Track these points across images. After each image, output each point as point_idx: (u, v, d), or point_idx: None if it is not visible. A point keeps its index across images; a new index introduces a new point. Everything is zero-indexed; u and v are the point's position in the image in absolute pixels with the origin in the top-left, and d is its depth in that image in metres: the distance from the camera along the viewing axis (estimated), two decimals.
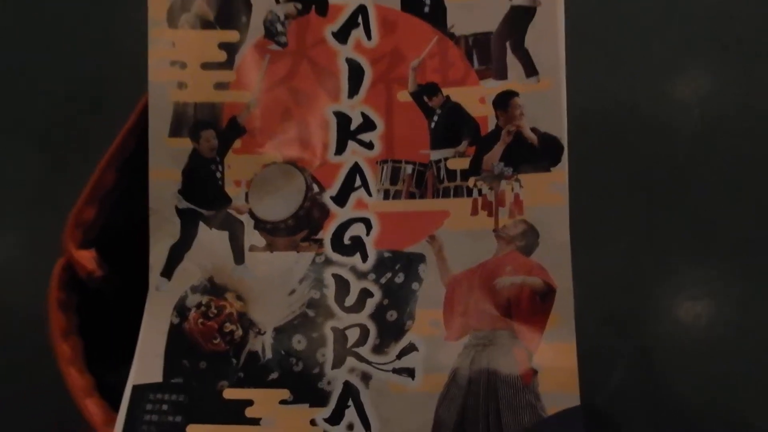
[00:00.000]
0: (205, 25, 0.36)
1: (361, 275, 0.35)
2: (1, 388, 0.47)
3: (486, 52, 0.36)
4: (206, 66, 0.36)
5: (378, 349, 0.34)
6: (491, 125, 0.35)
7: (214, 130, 0.36)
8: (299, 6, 0.36)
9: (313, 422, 0.33)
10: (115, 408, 0.34)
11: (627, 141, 0.58)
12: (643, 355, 0.50)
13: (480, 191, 0.35)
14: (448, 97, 0.36)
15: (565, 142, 0.34)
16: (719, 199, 0.56)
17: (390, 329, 0.34)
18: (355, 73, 0.36)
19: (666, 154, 0.57)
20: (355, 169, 0.36)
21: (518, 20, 0.35)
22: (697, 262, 0.54)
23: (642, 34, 0.62)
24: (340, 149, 0.36)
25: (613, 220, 0.54)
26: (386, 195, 0.35)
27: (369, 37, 0.36)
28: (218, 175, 0.36)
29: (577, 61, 0.56)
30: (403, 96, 0.36)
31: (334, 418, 0.33)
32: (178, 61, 0.35)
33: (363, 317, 0.34)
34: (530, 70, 0.35)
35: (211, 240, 0.35)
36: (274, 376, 0.34)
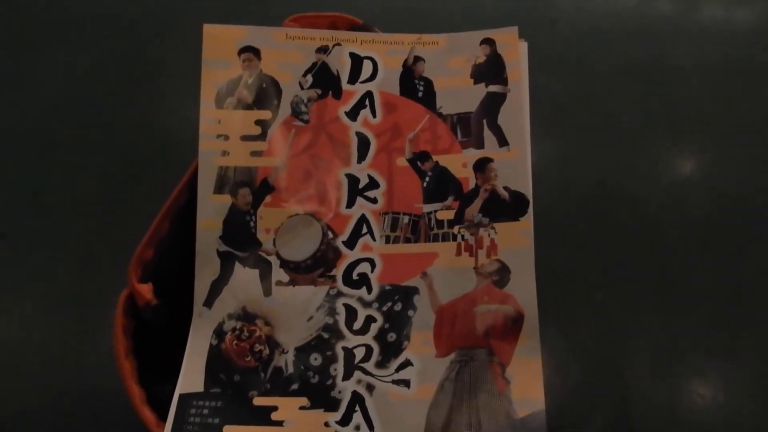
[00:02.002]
0: (245, 106, 0.42)
1: (367, 304, 0.40)
2: (72, 402, 0.52)
3: (467, 128, 0.43)
4: (245, 138, 0.42)
5: (380, 364, 0.39)
6: (472, 184, 0.42)
7: (249, 188, 0.41)
8: (319, 91, 0.43)
9: (326, 424, 0.38)
10: (160, 416, 0.39)
11: (602, 208, 0.63)
12: (621, 402, 0.53)
13: (463, 237, 0.41)
14: (437, 162, 0.42)
15: (530, 197, 0.41)
16: (684, 258, 0.59)
17: (390, 348, 0.39)
18: (363, 144, 0.43)
19: (640, 219, 0.61)
20: (363, 219, 0.41)
21: (492, 103, 0.43)
22: (665, 315, 0.56)
23: (611, 112, 0.69)
24: (351, 203, 0.42)
25: (589, 277, 0.59)
26: (387, 240, 0.41)
27: (374, 115, 0.43)
28: (252, 224, 0.41)
29: (554, 138, 0.62)
30: (401, 162, 0.42)
31: (344, 421, 0.38)
32: (222, 134, 0.42)
33: (368, 338, 0.40)
34: (502, 141, 0.42)
35: (244, 276, 0.41)
36: (295, 386, 0.39)
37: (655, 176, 0.65)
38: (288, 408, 0.38)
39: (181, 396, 0.39)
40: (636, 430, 0.52)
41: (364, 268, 0.41)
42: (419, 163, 0.42)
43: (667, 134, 0.67)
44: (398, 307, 0.40)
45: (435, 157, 0.42)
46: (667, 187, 0.64)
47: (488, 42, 0.44)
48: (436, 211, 0.42)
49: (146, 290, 0.40)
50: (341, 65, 0.44)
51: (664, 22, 0.74)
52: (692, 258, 0.60)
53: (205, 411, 0.38)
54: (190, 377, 0.39)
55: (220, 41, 0.43)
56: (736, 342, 0.56)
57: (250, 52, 0.43)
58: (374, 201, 0.42)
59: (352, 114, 0.43)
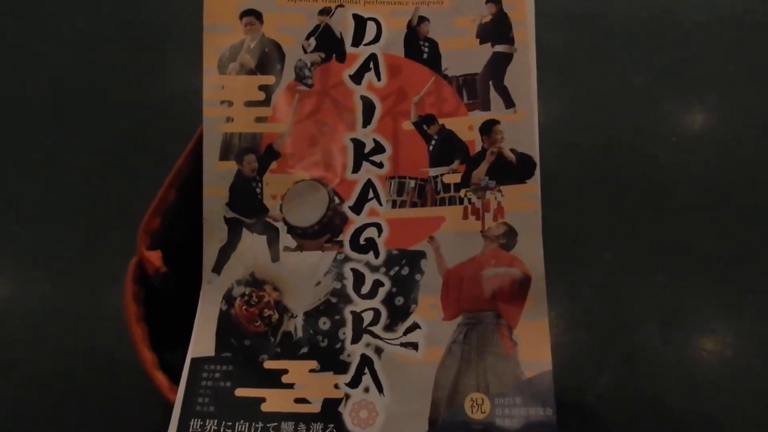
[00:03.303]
0: (248, 71, 0.42)
1: (374, 269, 0.41)
2: (85, 367, 0.53)
3: (473, 89, 0.42)
4: (249, 104, 0.42)
5: (388, 328, 0.40)
6: (478, 147, 0.42)
7: (255, 154, 0.41)
8: (323, 55, 0.43)
9: (336, 386, 0.39)
10: (173, 380, 0.39)
11: (610, 167, 0.63)
12: (626, 361, 0.54)
13: (469, 200, 0.41)
14: (443, 125, 0.42)
15: (537, 159, 0.41)
16: (692, 216, 0.60)
17: (398, 312, 0.40)
18: (368, 108, 0.42)
19: (648, 178, 0.62)
20: (369, 184, 0.41)
21: (499, 64, 0.42)
22: (674, 276, 0.57)
23: (621, 69, 0.68)
24: (356, 168, 0.42)
25: (597, 236, 0.59)
26: (394, 204, 0.41)
27: (379, 78, 0.43)
28: (258, 190, 0.41)
29: (561, 96, 0.62)
30: (407, 125, 0.42)
31: (354, 383, 0.39)
32: (226, 100, 0.42)
33: (376, 302, 0.40)
34: (509, 103, 0.42)
35: (252, 243, 0.41)
36: (304, 350, 0.39)
37: (664, 134, 0.64)
38: (298, 371, 0.39)
39: (192, 360, 0.40)
40: (644, 388, 0.53)
41: (370, 233, 0.41)
42: (425, 127, 0.42)
43: (675, 91, 0.66)
44: (405, 271, 0.41)
45: (441, 120, 0.42)
46: (675, 145, 0.64)
47: (494, 0, 0.43)
48: (442, 175, 0.42)
49: (155, 257, 0.41)
50: (344, 27, 0.43)
51: None
52: (700, 216, 0.60)
53: (217, 375, 0.39)
54: (201, 342, 0.40)
55: (221, 5, 0.42)
56: (743, 299, 0.56)
57: (252, 15, 0.42)
58: (380, 165, 0.42)
59: (357, 77, 0.43)
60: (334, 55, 0.43)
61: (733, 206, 0.60)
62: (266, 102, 0.42)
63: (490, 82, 0.42)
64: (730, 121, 0.65)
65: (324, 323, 0.40)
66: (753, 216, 0.60)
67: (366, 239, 0.41)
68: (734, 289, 0.57)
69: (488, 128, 0.42)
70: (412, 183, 0.42)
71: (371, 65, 0.43)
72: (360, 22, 0.43)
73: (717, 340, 0.55)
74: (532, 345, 0.39)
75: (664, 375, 0.54)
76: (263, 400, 0.38)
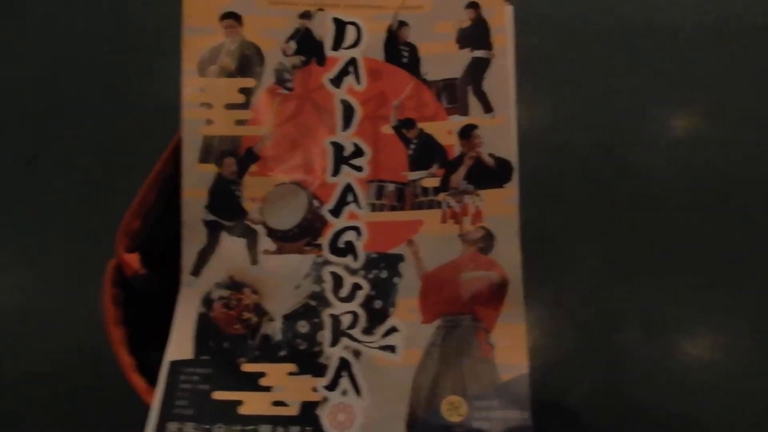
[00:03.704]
0: (228, 74, 0.42)
1: (353, 272, 0.41)
2: (65, 368, 0.53)
3: (452, 94, 0.42)
4: (229, 106, 0.42)
5: (367, 331, 0.40)
6: (457, 152, 0.42)
7: (235, 157, 0.41)
8: (303, 58, 0.43)
9: (314, 389, 0.39)
10: (150, 383, 0.39)
11: (595, 171, 0.63)
12: (609, 364, 0.54)
13: (448, 204, 0.41)
14: (422, 129, 0.42)
15: (515, 164, 0.41)
16: (676, 221, 0.60)
17: (376, 315, 0.40)
18: (348, 112, 0.42)
19: (634, 182, 0.62)
20: (348, 187, 0.42)
21: (477, 69, 0.42)
22: (658, 280, 0.57)
23: (607, 74, 0.68)
24: (336, 172, 0.42)
25: (581, 240, 0.60)
26: (373, 208, 0.41)
27: (359, 82, 0.43)
28: (237, 193, 0.41)
29: (547, 100, 0.62)
30: (387, 129, 0.42)
31: (332, 386, 0.39)
32: (206, 102, 0.42)
33: (354, 305, 0.40)
34: (487, 107, 0.42)
35: (231, 245, 0.41)
36: (283, 353, 0.40)
37: (649, 138, 0.65)
38: (276, 374, 0.39)
39: (171, 363, 0.39)
40: (626, 392, 0.53)
41: (350, 236, 0.41)
42: (404, 131, 0.42)
43: (661, 95, 0.67)
44: (384, 274, 0.41)
45: (420, 125, 0.42)
46: (660, 149, 0.64)
47: (473, 6, 0.43)
48: (421, 179, 0.42)
49: (134, 260, 0.41)
50: (324, 31, 0.43)
51: None
52: (684, 221, 0.60)
53: (195, 377, 0.39)
54: (180, 345, 0.40)
55: (201, 7, 0.42)
56: (727, 304, 0.57)
57: (232, 18, 0.43)
58: (359, 169, 0.42)
59: (337, 81, 0.43)
60: (314, 59, 0.43)
61: (719, 210, 0.61)
62: (246, 105, 0.42)
63: (469, 87, 0.42)
64: (717, 126, 0.65)
65: (303, 326, 0.40)
66: (738, 220, 0.60)
67: (345, 242, 0.41)
68: (718, 293, 0.57)
69: (467, 133, 0.42)
70: (392, 187, 0.42)
71: (351, 69, 0.43)
72: (340, 26, 0.43)
73: (700, 344, 0.56)
74: (510, 348, 0.39)
75: (648, 378, 0.54)
76: (241, 402, 0.39)
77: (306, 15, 0.43)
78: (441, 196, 0.41)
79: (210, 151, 0.42)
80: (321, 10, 0.43)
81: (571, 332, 0.56)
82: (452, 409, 0.38)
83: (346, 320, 0.40)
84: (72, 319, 0.55)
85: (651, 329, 0.56)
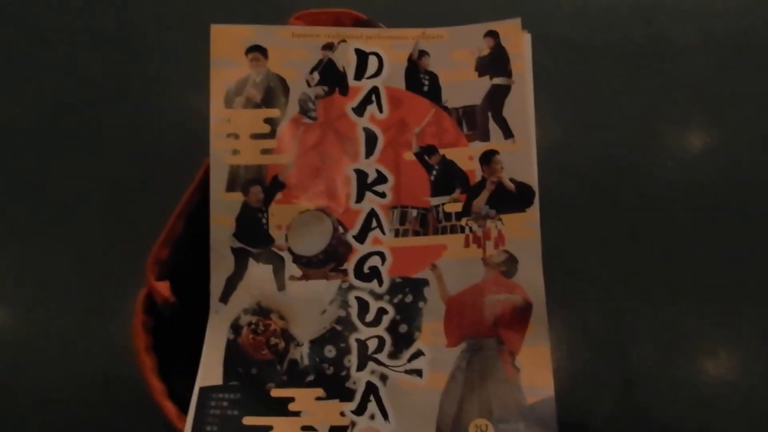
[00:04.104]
0: (254, 105, 0.43)
1: (378, 297, 0.42)
2: (94, 396, 0.53)
3: (473, 121, 0.43)
4: (254, 136, 0.43)
5: (393, 355, 0.40)
6: (478, 177, 0.43)
7: (261, 185, 0.42)
8: (326, 88, 0.44)
9: (342, 413, 0.39)
10: (181, 409, 0.40)
11: (607, 190, 0.63)
12: (628, 384, 0.53)
13: (470, 228, 0.42)
14: (443, 156, 0.43)
15: (536, 188, 0.42)
16: (690, 239, 0.59)
17: (402, 339, 0.41)
18: (371, 139, 0.43)
19: (645, 200, 0.61)
20: (372, 213, 0.42)
21: (497, 95, 0.43)
22: (674, 299, 0.56)
23: (613, 92, 0.69)
24: (360, 198, 0.43)
25: (595, 260, 0.59)
26: (397, 233, 0.42)
27: (381, 111, 0.44)
28: (264, 220, 0.42)
29: (557, 120, 0.62)
30: (409, 156, 0.43)
31: (359, 410, 0.39)
32: (232, 133, 0.43)
33: (380, 330, 0.41)
34: (507, 133, 0.43)
35: (258, 272, 0.42)
36: (310, 378, 0.40)
37: (660, 157, 0.65)
38: (304, 399, 0.40)
39: (201, 389, 0.40)
40: (645, 412, 0.53)
41: (374, 261, 0.42)
42: (426, 157, 0.43)
43: (670, 114, 0.67)
44: (409, 298, 0.41)
45: (441, 151, 0.43)
46: (671, 168, 0.64)
47: (492, 34, 0.44)
48: (443, 204, 0.43)
49: (164, 288, 0.42)
50: (347, 61, 0.44)
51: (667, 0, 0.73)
52: (699, 238, 0.60)
53: (225, 403, 0.40)
54: (209, 371, 0.41)
55: (228, 41, 0.43)
56: (744, 322, 0.57)
57: (257, 51, 0.44)
58: (383, 195, 0.43)
59: (359, 110, 0.44)
60: (337, 89, 0.44)
61: (732, 227, 0.61)
62: (271, 134, 0.43)
63: (489, 114, 0.43)
64: (725, 142, 0.66)
65: (329, 351, 0.41)
66: (751, 236, 0.60)
67: (370, 268, 0.42)
68: (735, 311, 0.57)
69: (488, 158, 0.43)
70: (414, 212, 0.43)
71: (373, 98, 0.44)
72: (362, 57, 0.44)
73: (718, 362, 0.55)
74: (535, 370, 0.39)
75: (669, 398, 0.54)
76: (271, 428, 0.39)
77: (329, 47, 0.44)
78: (463, 221, 0.42)
79: (237, 180, 0.43)
80: (343, 41, 0.44)
81: (589, 352, 0.56)
82: None
83: (372, 345, 0.41)
84: (93, 347, 0.56)
85: (670, 348, 0.55)
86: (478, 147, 0.43)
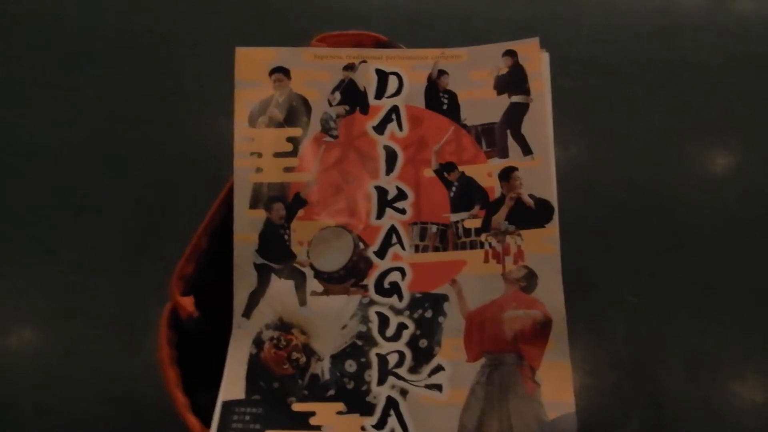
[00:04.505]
0: (277, 124, 0.44)
1: (398, 312, 0.42)
2: (117, 411, 0.54)
3: (492, 138, 0.44)
4: (277, 155, 0.44)
5: (413, 370, 0.41)
6: (497, 193, 0.43)
7: (283, 203, 0.43)
8: (347, 108, 0.45)
9: (363, 428, 0.39)
10: (204, 423, 0.40)
11: (632, 210, 0.63)
12: (653, 405, 0.53)
13: (490, 244, 0.42)
14: (463, 172, 0.44)
15: (555, 204, 0.42)
16: (715, 258, 0.60)
17: (422, 354, 0.41)
18: (391, 157, 0.44)
19: (671, 220, 0.62)
20: (392, 229, 0.43)
21: (516, 113, 0.44)
22: (699, 319, 0.56)
23: (638, 112, 0.69)
24: (380, 215, 0.43)
25: (620, 279, 0.60)
26: (417, 249, 0.43)
27: (401, 129, 0.45)
28: (286, 237, 0.43)
29: (582, 140, 0.62)
30: (428, 173, 0.44)
31: (380, 425, 0.39)
32: (256, 151, 0.44)
33: (400, 345, 0.41)
34: (526, 150, 0.43)
35: (280, 288, 0.42)
36: (331, 392, 0.40)
37: (685, 176, 0.65)
38: (325, 413, 0.40)
39: (224, 403, 0.41)
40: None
41: (394, 276, 0.42)
42: (445, 174, 0.44)
43: (695, 133, 0.67)
44: (429, 314, 0.42)
45: (461, 168, 0.44)
46: (696, 187, 0.64)
47: (510, 53, 0.45)
48: (463, 220, 0.43)
49: (188, 303, 0.42)
50: (368, 81, 0.45)
51: (689, 19, 0.74)
52: (724, 258, 0.60)
53: (247, 417, 0.40)
54: (232, 385, 0.41)
55: (252, 63, 0.45)
56: None
57: (281, 72, 0.45)
58: (403, 212, 0.43)
59: (380, 128, 0.45)
60: (358, 108, 0.45)
61: (757, 247, 0.60)
62: (294, 153, 0.44)
63: (508, 131, 0.44)
64: (750, 162, 0.65)
65: (350, 365, 0.41)
66: None
67: (390, 283, 0.42)
68: (761, 331, 0.56)
69: (507, 175, 0.43)
70: (434, 228, 0.43)
71: (393, 116, 0.45)
72: (382, 77, 0.45)
73: (745, 384, 0.55)
74: (555, 386, 0.39)
75: (694, 419, 0.53)
76: None
77: (350, 67, 0.45)
78: (483, 237, 0.42)
79: (259, 198, 0.43)
80: (364, 62, 0.45)
81: (614, 373, 0.56)
82: None
83: (392, 359, 0.41)
84: (120, 365, 0.57)
85: (696, 369, 0.55)
86: (497, 164, 0.43)
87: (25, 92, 0.71)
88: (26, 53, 0.74)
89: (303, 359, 0.41)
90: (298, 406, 0.40)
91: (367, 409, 0.40)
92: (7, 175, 0.66)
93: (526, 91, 0.44)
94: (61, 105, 0.71)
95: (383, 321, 0.42)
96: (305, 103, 0.45)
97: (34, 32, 0.75)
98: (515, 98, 0.44)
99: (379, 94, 0.45)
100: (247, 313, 0.43)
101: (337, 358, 0.41)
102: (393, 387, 0.40)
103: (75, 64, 0.73)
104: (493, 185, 0.43)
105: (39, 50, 0.74)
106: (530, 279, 0.41)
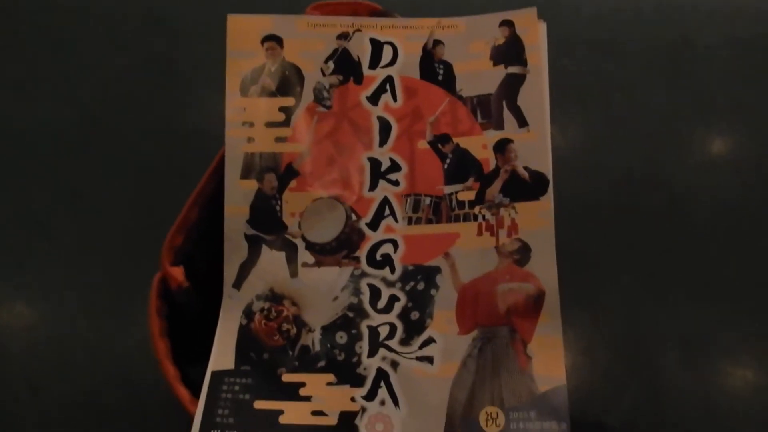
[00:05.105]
0: (269, 94, 0.44)
1: (390, 284, 0.42)
2: (109, 383, 0.54)
3: (487, 109, 0.43)
4: (269, 125, 0.43)
5: (404, 342, 0.40)
6: (492, 165, 0.42)
7: (275, 173, 0.43)
8: (341, 78, 0.44)
9: (352, 399, 0.39)
10: (194, 393, 0.40)
11: (630, 192, 0.63)
12: (647, 386, 0.53)
13: (484, 217, 0.42)
14: (457, 144, 0.43)
15: (550, 177, 0.41)
16: (713, 241, 0.60)
17: (413, 326, 0.41)
18: (385, 128, 0.44)
19: (668, 203, 0.61)
20: (385, 201, 0.42)
21: (512, 84, 0.43)
22: (694, 301, 0.56)
23: (638, 94, 0.68)
24: (373, 186, 0.43)
25: (617, 260, 0.59)
26: (410, 221, 0.42)
27: (395, 100, 0.44)
28: (277, 208, 0.42)
29: (581, 122, 0.62)
30: (422, 144, 0.43)
31: (370, 396, 0.39)
32: (248, 121, 0.43)
33: (392, 317, 0.41)
34: (522, 122, 0.43)
35: (271, 259, 0.42)
36: (322, 364, 0.40)
37: (683, 158, 0.64)
38: (315, 384, 0.40)
39: (213, 373, 0.40)
40: (664, 414, 0.52)
41: (387, 249, 0.42)
42: (440, 146, 0.43)
43: (695, 116, 0.66)
44: (421, 286, 0.41)
45: (455, 139, 0.43)
46: (695, 169, 0.63)
47: (507, 24, 0.44)
48: (457, 192, 0.42)
49: (178, 273, 0.42)
50: (362, 51, 0.45)
51: (690, 0, 0.73)
52: (721, 240, 0.59)
53: (236, 387, 0.40)
54: (222, 356, 0.41)
55: (244, 31, 0.44)
56: (765, 324, 0.56)
57: (273, 40, 0.44)
58: (396, 183, 0.43)
59: (374, 99, 0.44)
60: (351, 78, 0.44)
61: (754, 230, 0.60)
62: (286, 123, 0.44)
63: (504, 103, 0.43)
64: (749, 145, 0.65)
65: (341, 337, 0.41)
66: None
67: (382, 255, 0.42)
68: (756, 314, 0.56)
69: (502, 147, 0.42)
70: (428, 200, 0.42)
71: (388, 87, 0.44)
72: (377, 46, 0.45)
73: (739, 366, 0.54)
74: (547, 359, 0.39)
75: (687, 401, 0.53)
76: (281, 412, 0.39)
77: (343, 36, 0.45)
78: (477, 209, 0.42)
79: (251, 168, 0.43)
80: (358, 31, 0.45)
81: (608, 353, 0.55)
82: (490, 420, 0.38)
83: (383, 331, 0.41)
84: (114, 341, 0.56)
85: (690, 351, 0.55)
86: (493, 136, 0.43)
87: (18, 72, 0.71)
88: (18, 34, 0.73)
89: (293, 330, 0.41)
90: (288, 377, 0.40)
91: (357, 381, 0.40)
92: (2, 154, 0.66)
93: (523, 62, 0.43)
94: (55, 83, 0.71)
95: (375, 293, 0.41)
96: (298, 72, 0.44)
97: (26, 12, 0.75)
98: (512, 69, 0.43)
99: (374, 64, 0.44)
100: (237, 284, 0.42)
101: (328, 330, 0.41)
102: (384, 359, 0.40)
103: (68, 41, 0.73)
104: (487, 157, 0.43)
105: (31, 30, 0.73)
106: (524, 252, 0.41)
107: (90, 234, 0.62)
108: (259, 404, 0.39)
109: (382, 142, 0.43)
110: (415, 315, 0.41)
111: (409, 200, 0.43)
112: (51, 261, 0.61)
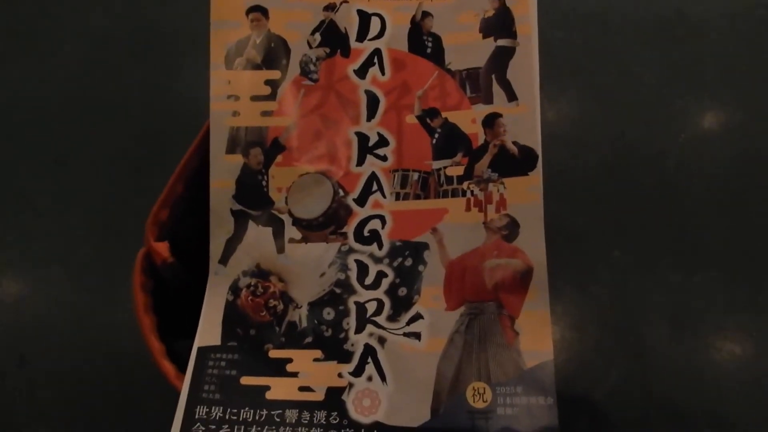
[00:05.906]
0: (254, 66, 0.43)
1: (378, 260, 0.41)
2: (95, 357, 0.54)
3: (476, 83, 0.43)
4: (255, 98, 0.42)
5: (391, 318, 0.40)
6: (481, 140, 0.42)
7: (261, 148, 0.42)
8: (327, 50, 0.43)
9: (340, 375, 0.39)
10: (180, 369, 0.40)
11: (620, 165, 0.63)
12: (635, 359, 0.54)
13: (472, 192, 0.41)
14: (446, 119, 0.43)
15: (539, 152, 0.41)
16: (702, 214, 0.60)
17: (401, 302, 0.40)
18: (372, 102, 0.43)
19: (659, 177, 0.62)
20: (373, 176, 0.42)
21: (501, 57, 0.43)
22: (684, 275, 0.56)
23: (630, 66, 0.68)
24: (361, 161, 0.42)
25: (606, 234, 0.60)
26: (397, 197, 0.42)
27: (383, 73, 0.43)
28: (264, 183, 0.42)
29: (572, 94, 0.62)
30: (411, 119, 0.43)
31: (357, 372, 0.39)
32: (233, 94, 0.42)
33: (379, 293, 0.41)
34: (511, 96, 0.42)
35: (258, 235, 0.42)
36: (309, 340, 0.40)
37: (674, 132, 0.64)
38: (302, 360, 0.40)
39: (199, 349, 0.40)
40: (652, 386, 0.53)
41: (374, 224, 0.42)
42: (428, 120, 0.43)
43: (686, 88, 0.66)
44: (409, 262, 0.41)
45: (444, 114, 0.43)
46: (685, 143, 0.63)
47: None
48: (445, 168, 0.42)
49: (163, 248, 0.42)
50: (349, 23, 0.44)
51: None
52: (711, 214, 0.59)
53: (223, 363, 0.40)
54: (208, 331, 0.41)
55: (228, 1, 0.43)
56: (754, 297, 0.56)
57: (258, 11, 0.43)
58: (384, 158, 0.42)
59: (361, 72, 0.43)
60: (339, 50, 0.43)
61: (745, 204, 0.60)
62: (272, 96, 0.43)
63: (493, 76, 0.42)
64: (741, 118, 0.65)
65: (328, 313, 0.41)
66: (765, 214, 0.59)
67: (370, 231, 0.42)
68: (745, 288, 0.56)
69: (491, 121, 0.42)
70: (416, 175, 0.42)
71: (375, 60, 0.43)
72: (364, 18, 0.44)
73: (728, 339, 0.55)
74: (534, 335, 0.39)
75: (674, 373, 0.53)
76: (268, 388, 0.39)
77: (330, 7, 0.44)
78: (465, 185, 0.41)
79: (237, 143, 0.42)
80: (345, 2, 0.44)
81: (597, 326, 0.56)
82: (477, 395, 0.38)
83: (371, 307, 0.41)
84: (99, 311, 0.56)
85: (678, 323, 0.55)
86: (482, 110, 0.42)
87: (2, 43, 0.69)
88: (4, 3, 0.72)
89: (280, 306, 0.41)
90: (274, 353, 0.40)
91: (344, 357, 0.40)
92: None
93: (513, 35, 0.43)
94: (35, 53, 0.69)
95: (362, 269, 0.41)
96: (284, 44, 0.43)
97: None
98: (501, 42, 0.43)
99: (361, 36, 0.44)
100: (223, 260, 0.42)
101: (315, 306, 0.41)
102: (371, 335, 0.40)
103: (54, 11, 0.71)
104: (476, 132, 0.42)
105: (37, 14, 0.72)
106: (512, 228, 0.40)
107: (75, 209, 0.61)
108: (246, 380, 0.39)
109: (370, 116, 0.43)
110: (402, 291, 0.41)
111: (396, 175, 0.42)
112: (37, 236, 0.60)
